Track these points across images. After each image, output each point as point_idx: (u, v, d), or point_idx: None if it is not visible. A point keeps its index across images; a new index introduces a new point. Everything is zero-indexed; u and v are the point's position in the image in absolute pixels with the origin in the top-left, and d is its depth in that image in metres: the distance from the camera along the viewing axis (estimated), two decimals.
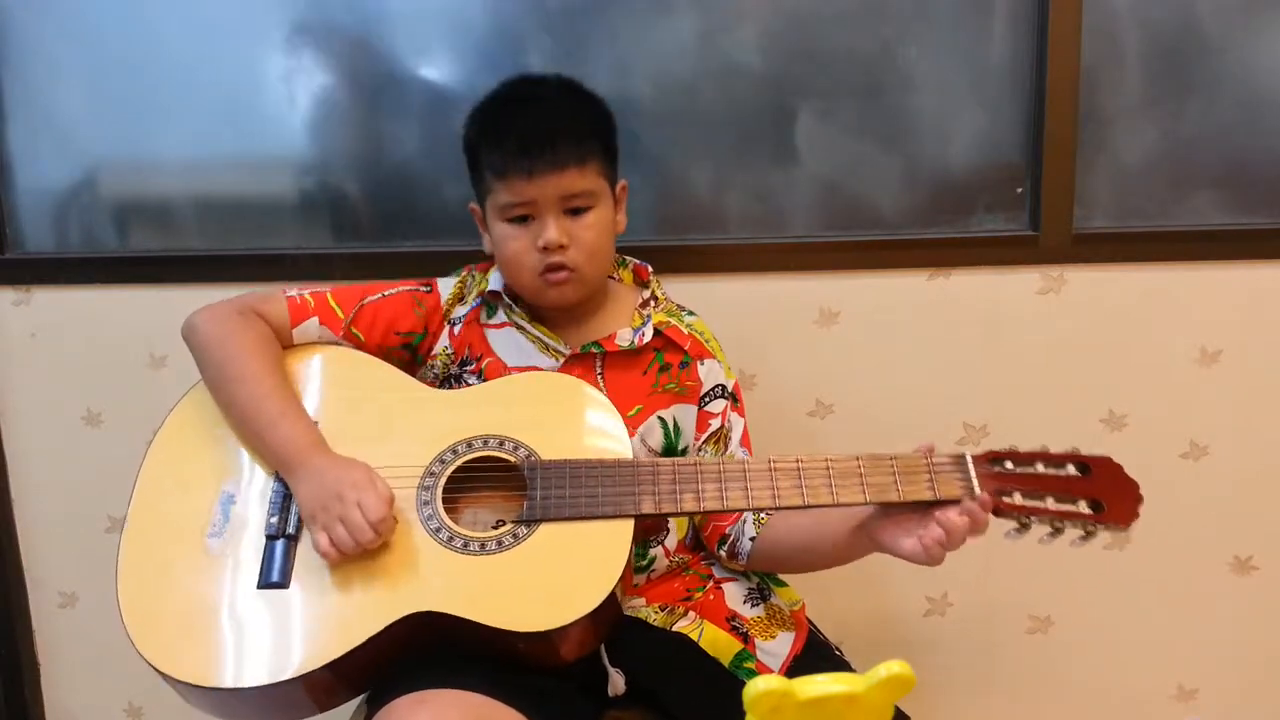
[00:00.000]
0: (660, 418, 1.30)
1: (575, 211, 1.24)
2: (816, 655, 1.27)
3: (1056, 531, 1.13)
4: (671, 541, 1.30)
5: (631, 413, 1.28)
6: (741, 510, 1.23)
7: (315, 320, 1.29)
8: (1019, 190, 1.63)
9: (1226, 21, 1.59)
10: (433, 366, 1.33)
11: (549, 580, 1.10)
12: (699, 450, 1.31)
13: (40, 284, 1.72)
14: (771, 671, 1.22)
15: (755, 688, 0.78)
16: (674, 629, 1.24)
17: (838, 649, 1.32)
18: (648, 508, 1.13)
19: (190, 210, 1.71)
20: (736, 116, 1.62)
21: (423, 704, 1.06)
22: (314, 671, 1.07)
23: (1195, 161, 1.63)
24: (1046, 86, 1.57)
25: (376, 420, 1.22)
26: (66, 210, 1.73)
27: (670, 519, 1.29)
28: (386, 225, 1.69)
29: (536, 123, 1.23)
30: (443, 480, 1.17)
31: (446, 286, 1.35)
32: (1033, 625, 1.75)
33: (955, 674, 1.77)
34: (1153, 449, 1.66)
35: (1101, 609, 1.72)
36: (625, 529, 1.12)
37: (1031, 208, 1.62)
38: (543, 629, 1.07)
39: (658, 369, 1.31)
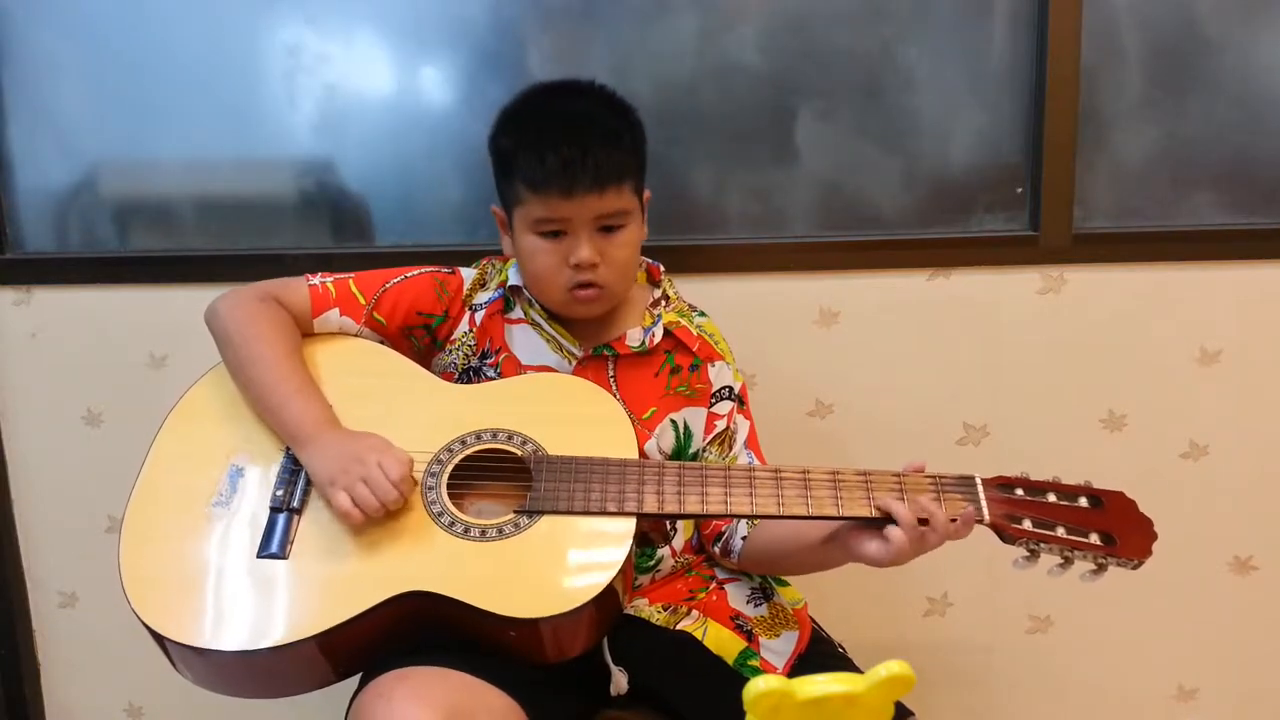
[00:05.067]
0: (672, 420, 1.30)
1: (608, 229, 1.24)
2: (820, 653, 1.28)
3: (1067, 562, 1.11)
4: (679, 542, 1.30)
5: (646, 415, 1.28)
6: (745, 516, 1.23)
7: (336, 311, 1.30)
8: (1019, 190, 1.63)
9: (1226, 21, 1.59)
10: (451, 353, 1.33)
11: (545, 571, 1.10)
12: (704, 452, 1.31)
13: (40, 284, 1.72)
14: (775, 670, 1.22)
15: (755, 688, 0.78)
16: (678, 628, 1.24)
17: (840, 647, 1.32)
18: (650, 507, 1.13)
19: (190, 210, 1.71)
20: (736, 116, 1.63)
21: (404, 680, 1.07)
22: (301, 641, 1.08)
23: (1195, 161, 1.63)
24: (1046, 86, 1.57)
25: (388, 407, 1.23)
26: (66, 210, 1.73)
27: (677, 522, 1.30)
28: (386, 225, 1.69)
29: (579, 141, 1.20)
30: (449, 467, 1.18)
31: (469, 274, 1.36)
32: (1033, 625, 1.75)
33: (955, 674, 1.77)
34: (1153, 449, 1.67)
35: (1101, 609, 1.72)
36: (627, 526, 1.12)
37: (1031, 208, 1.62)
38: (533, 617, 1.07)
39: (669, 371, 1.31)
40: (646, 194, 1.31)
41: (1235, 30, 1.59)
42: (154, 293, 1.70)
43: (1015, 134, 1.62)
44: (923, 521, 1.10)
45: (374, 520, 1.12)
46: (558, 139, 1.20)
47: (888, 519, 1.11)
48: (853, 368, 1.66)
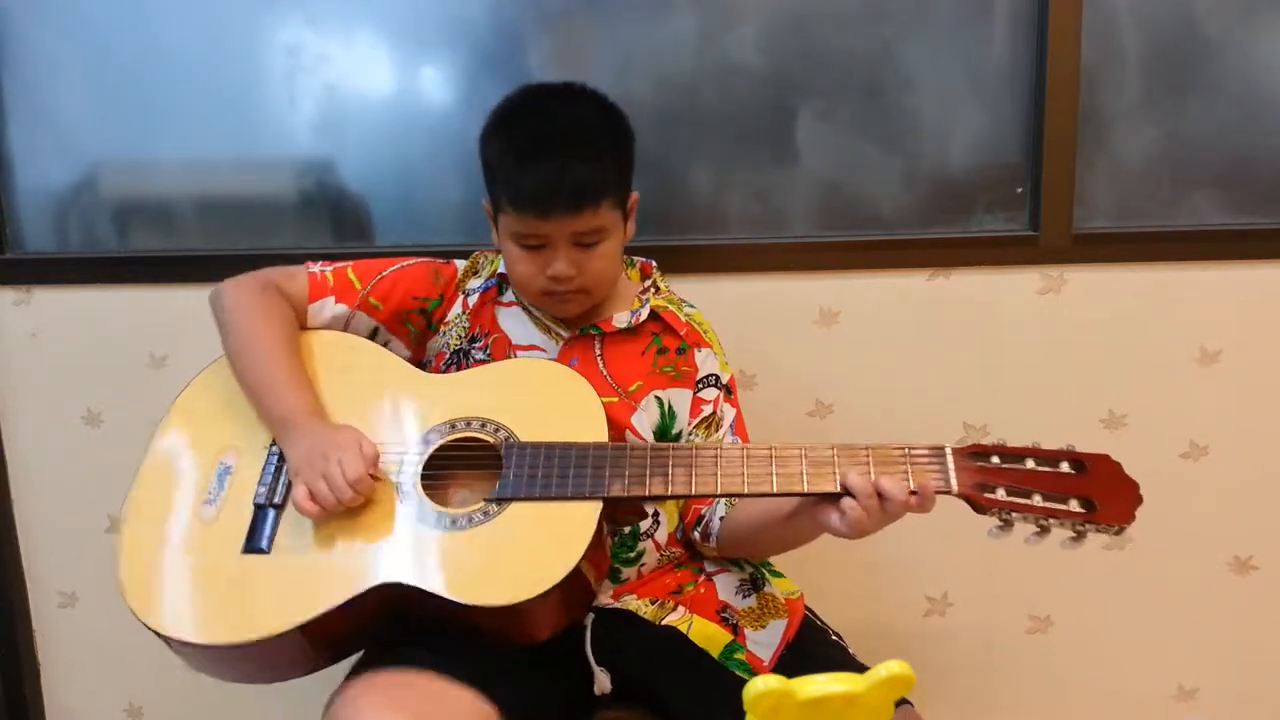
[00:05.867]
0: (657, 397, 1.31)
1: (586, 244, 1.25)
2: (809, 641, 1.28)
3: (1043, 530, 1.09)
4: (662, 535, 1.31)
5: (632, 388, 1.30)
6: (711, 495, 1.23)
7: (331, 299, 1.33)
8: (1019, 190, 1.63)
9: (1226, 21, 1.59)
10: (445, 334, 1.35)
11: (512, 557, 1.12)
12: (690, 435, 1.32)
13: (40, 284, 1.72)
14: (762, 661, 1.23)
15: (755, 688, 0.79)
16: (664, 623, 1.25)
17: (835, 634, 1.32)
18: (616, 490, 1.14)
19: (190, 210, 1.71)
20: (736, 116, 1.63)
21: (372, 687, 1.10)
22: (282, 635, 1.11)
23: (1195, 161, 1.63)
24: (1046, 86, 1.57)
25: (368, 401, 1.26)
26: (66, 210, 1.73)
27: (660, 510, 1.30)
28: (386, 225, 1.69)
29: (558, 161, 1.21)
30: (424, 457, 1.20)
31: (461, 264, 1.39)
32: (1033, 625, 1.75)
33: (955, 674, 1.77)
34: (1153, 449, 1.66)
35: (1101, 609, 1.72)
36: (593, 510, 1.13)
37: (1031, 208, 1.62)
38: (500, 604, 1.08)
39: (655, 351, 1.33)
40: (634, 196, 1.32)
41: (1235, 30, 1.59)
42: (154, 293, 1.70)
43: (1015, 134, 1.62)
44: (881, 495, 1.09)
45: (345, 512, 1.15)
46: (537, 156, 1.22)
47: (848, 492, 1.10)
48: (853, 368, 1.66)
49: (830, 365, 1.66)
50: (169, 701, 1.82)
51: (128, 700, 1.86)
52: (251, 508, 1.19)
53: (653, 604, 1.26)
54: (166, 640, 1.14)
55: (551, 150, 1.22)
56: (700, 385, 1.33)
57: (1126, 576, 1.70)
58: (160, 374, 1.71)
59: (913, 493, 1.09)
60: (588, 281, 1.27)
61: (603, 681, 1.20)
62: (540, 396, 1.23)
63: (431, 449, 1.20)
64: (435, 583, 1.11)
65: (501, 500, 1.15)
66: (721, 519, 1.28)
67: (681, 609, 1.26)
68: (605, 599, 1.26)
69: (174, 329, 1.69)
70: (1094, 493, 1.09)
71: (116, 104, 1.68)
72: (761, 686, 0.78)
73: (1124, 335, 1.64)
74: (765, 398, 1.63)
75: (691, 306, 1.39)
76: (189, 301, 1.66)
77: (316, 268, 1.34)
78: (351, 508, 1.15)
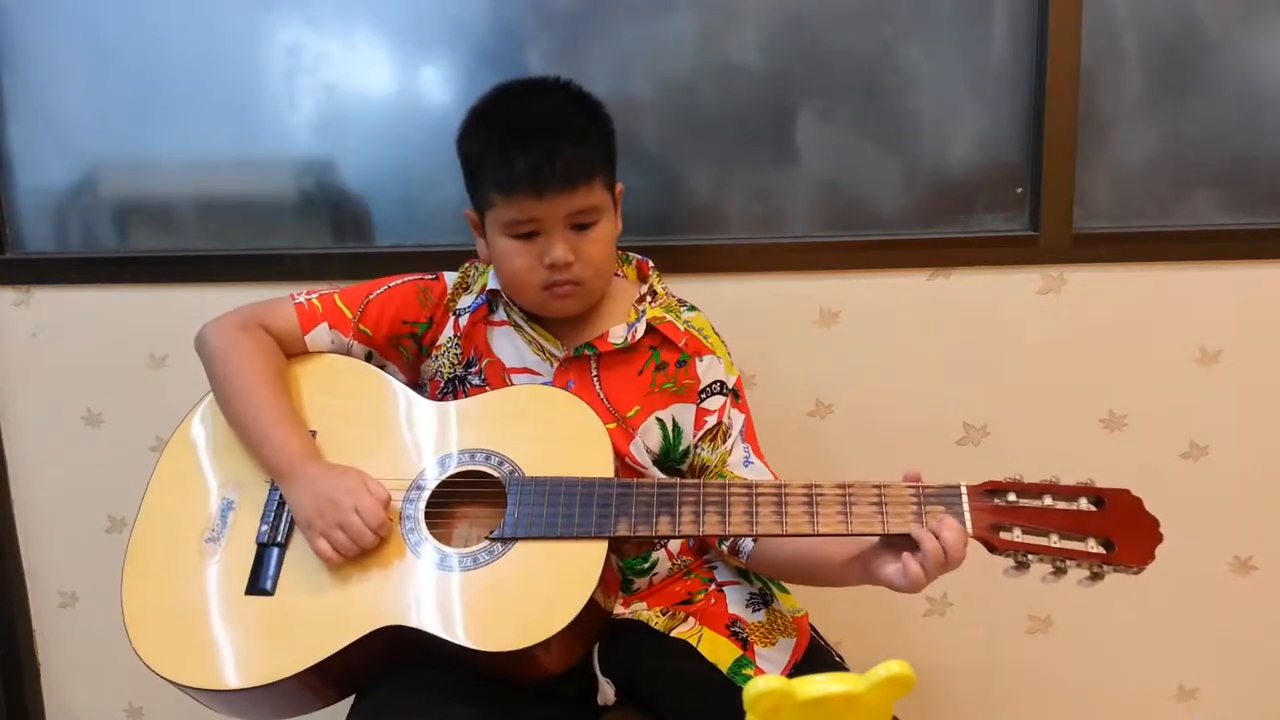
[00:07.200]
0: (659, 419, 1.29)
1: (580, 226, 1.24)
2: (817, 662, 1.26)
3: (1059, 571, 1.06)
4: (675, 543, 1.30)
5: (630, 414, 1.27)
6: (719, 535, 1.22)
7: (325, 325, 1.30)
8: (1019, 190, 1.63)
9: (1226, 21, 1.59)
10: (437, 359, 1.32)
11: (518, 601, 1.10)
12: (696, 449, 1.30)
13: (40, 284, 1.72)
14: None
15: (755, 687, 0.78)
16: (673, 634, 1.23)
17: (838, 657, 1.31)
18: (623, 530, 1.12)
19: (190, 210, 1.71)
20: (736, 116, 1.62)
21: None
22: (288, 679, 1.11)
23: (1195, 161, 1.63)
24: (1046, 86, 1.57)
25: (370, 431, 1.23)
26: (66, 210, 1.73)
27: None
28: (386, 225, 1.69)
29: (546, 141, 1.20)
30: (427, 493, 1.18)
31: (451, 278, 1.36)
32: (1033, 625, 1.75)
33: (955, 674, 1.77)
34: (1153, 449, 1.66)
35: (1101, 609, 1.72)
36: (599, 550, 1.12)
37: (1031, 208, 1.62)
38: (508, 649, 1.08)
39: (654, 368, 1.30)
40: (619, 188, 1.30)
41: (1235, 30, 1.59)
42: (154, 293, 1.70)
43: (1015, 134, 1.62)
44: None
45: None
46: (525, 141, 1.20)
47: (897, 536, 1.08)
48: (853, 368, 1.66)
49: (830, 365, 1.66)
50: (169, 702, 1.81)
51: (128, 700, 1.86)
52: (254, 546, 1.18)
53: (663, 614, 1.26)
54: (170, 682, 1.13)
55: (537, 136, 1.20)
56: (704, 395, 1.30)
57: (1126, 576, 1.70)
58: (160, 374, 1.72)
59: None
60: (585, 270, 1.24)
61: (606, 693, 1.19)
62: (546, 427, 1.20)
63: (435, 483, 1.18)
64: (441, 626, 1.09)
65: (506, 540, 1.13)
66: (754, 540, 1.26)
67: (692, 620, 1.25)
68: (616, 608, 1.25)
69: (174, 329, 1.68)
70: (1113, 532, 1.06)
71: (116, 104, 1.68)
72: (762, 686, 0.78)
73: (1124, 335, 1.64)
74: (765, 398, 1.63)
75: (691, 310, 1.36)
76: (189, 301, 1.66)
77: (301, 297, 1.31)
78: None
